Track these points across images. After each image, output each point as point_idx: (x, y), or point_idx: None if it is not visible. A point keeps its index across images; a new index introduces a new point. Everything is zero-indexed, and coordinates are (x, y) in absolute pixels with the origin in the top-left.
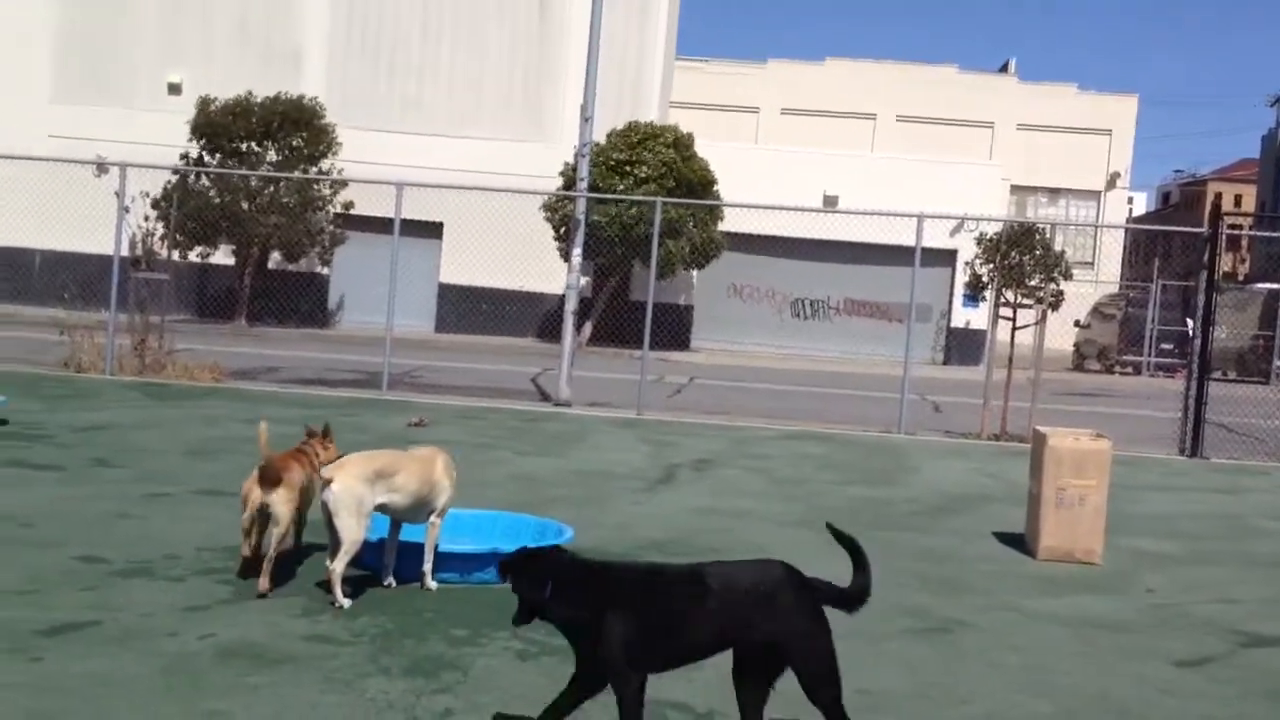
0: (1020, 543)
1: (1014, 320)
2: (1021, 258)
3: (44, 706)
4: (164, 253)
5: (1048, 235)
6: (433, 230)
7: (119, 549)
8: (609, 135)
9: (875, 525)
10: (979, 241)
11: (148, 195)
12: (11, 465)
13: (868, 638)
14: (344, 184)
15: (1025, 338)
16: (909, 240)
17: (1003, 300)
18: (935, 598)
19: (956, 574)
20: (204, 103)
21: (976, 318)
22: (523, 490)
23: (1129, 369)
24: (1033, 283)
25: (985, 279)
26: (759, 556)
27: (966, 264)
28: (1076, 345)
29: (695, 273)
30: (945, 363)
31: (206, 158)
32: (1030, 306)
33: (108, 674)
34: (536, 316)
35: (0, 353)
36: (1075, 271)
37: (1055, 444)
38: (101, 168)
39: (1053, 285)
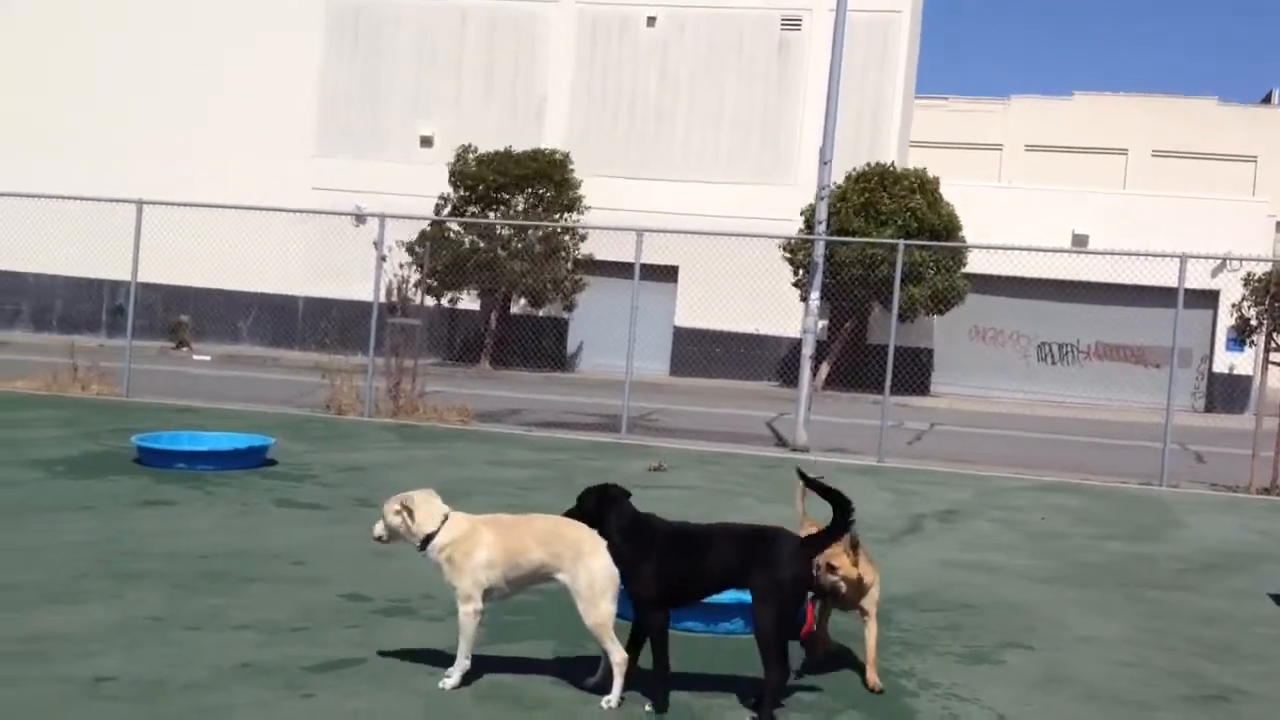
0: None
1: None
2: None
3: None
4: (417, 299)
5: None
6: (668, 274)
7: (380, 587)
8: (848, 177)
9: (1140, 584)
10: (1246, 282)
11: (402, 244)
12: (282, 505)
13: (1140, 706)
14: (585, 235)
15: None
16: (1166, 280)
17: (1274, 344)
18: (1211, 663)
19: (1233, 638)
20: (464, 151)
21: (1241, 362)
22: None
23: None
24: None
25: (1254, 321)
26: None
27: (1233, 305)
28: None
29: (935, 317)
30: (1207, 410)
31: (459, 206)
32: None
33: (373, 711)
34: (771, 360)
35: (267, 395)
36: None
37: None
38: (359, 218)
39: None
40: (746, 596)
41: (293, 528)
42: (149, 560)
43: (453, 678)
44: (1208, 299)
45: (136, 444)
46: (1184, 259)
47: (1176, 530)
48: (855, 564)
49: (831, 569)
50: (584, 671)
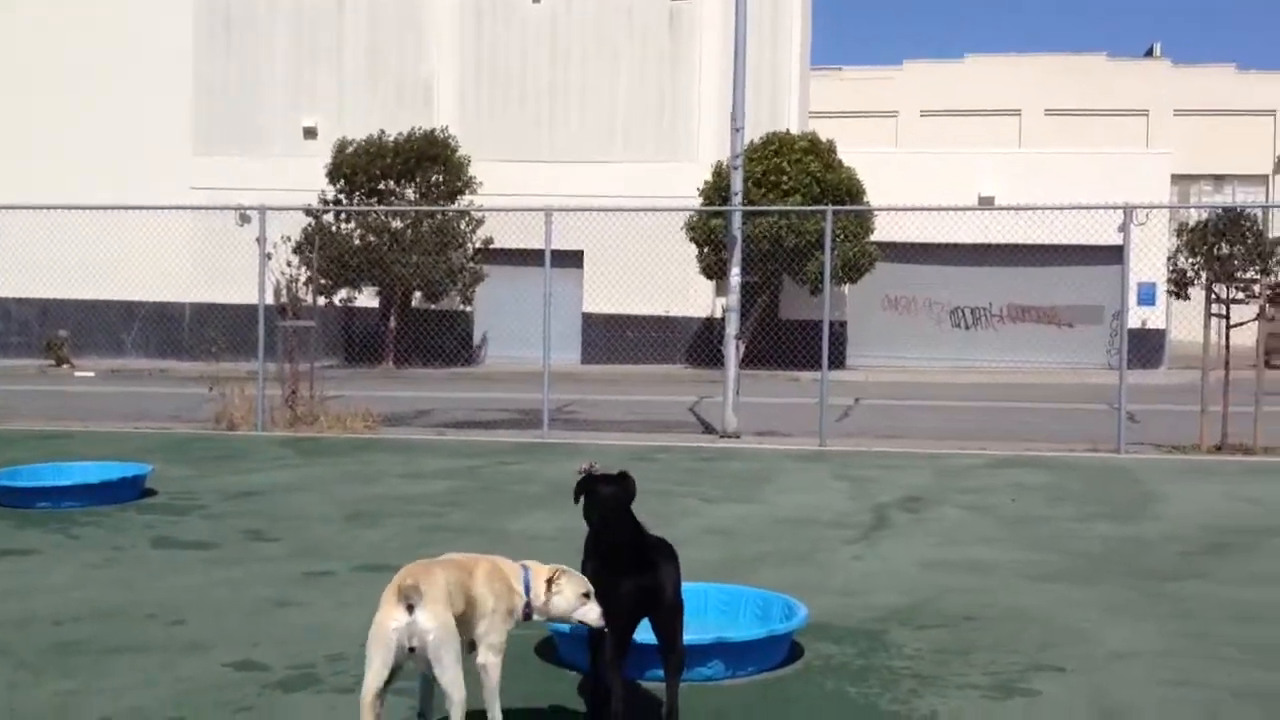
0: None
1: (1227, 317)
2: (1231, 248)
3: None
4: (308, 299)
5: (1258, 221)
6: (573, 259)
7: (277, 649)
8: (747, 148)
9: (1150, 574)
10: (1180, 232)
11: (289, 240)
12: (160, 545)
13: None
14: (481, 220)
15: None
16: (1075, 238)
17: (1214, 295)
18: (1272, 673)
19: None
20: (341, 145)
21: (1153, 317)
22: (721, 547)
23: None
24: (1247, 275)
25: (1191, 273)
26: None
27: (1169, 257)
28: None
29: (847, 287)
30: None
31: (344, 200)
32: (1245, 301)
33: None
34: (681, 341)
35: (153, 411)
36: None
37: None
38: (243, 216)
39: (1269, 277)
40: (727, 635)
41: (172, 575)
42: None
43: None
44: (1116, 254)
45: None
46: (1129, 209)
47: (1159, 504)
48: None
49: None
50: None
